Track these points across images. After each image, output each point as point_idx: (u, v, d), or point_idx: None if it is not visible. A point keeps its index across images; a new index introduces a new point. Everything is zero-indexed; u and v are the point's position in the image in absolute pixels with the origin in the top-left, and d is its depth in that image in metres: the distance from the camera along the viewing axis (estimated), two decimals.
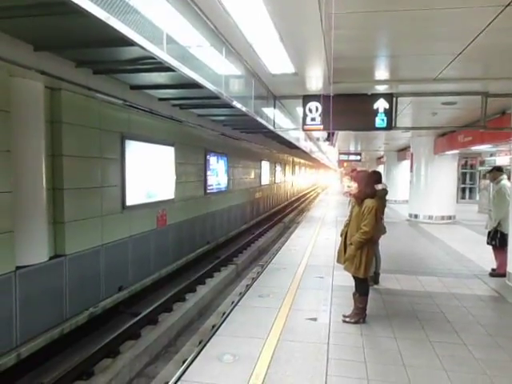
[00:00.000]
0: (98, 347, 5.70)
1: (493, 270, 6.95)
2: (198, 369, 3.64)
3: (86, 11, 2.34)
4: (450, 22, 4.01)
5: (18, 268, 5.42)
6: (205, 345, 4.16)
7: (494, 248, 6.82)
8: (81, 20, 3.35)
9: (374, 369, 3.65)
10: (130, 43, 2.95)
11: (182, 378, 3.48)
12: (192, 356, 4.01)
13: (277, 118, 8.33)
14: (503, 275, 6.60)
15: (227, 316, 4.97)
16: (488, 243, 6.85)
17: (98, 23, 2.53)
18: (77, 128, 6.54)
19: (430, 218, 13.63)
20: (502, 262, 6.70)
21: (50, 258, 6.02)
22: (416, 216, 14.06)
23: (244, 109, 6.08)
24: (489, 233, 6.82)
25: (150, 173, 8.97)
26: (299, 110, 7.72)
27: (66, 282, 6.32)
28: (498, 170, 7.06)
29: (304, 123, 7.02)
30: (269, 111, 7.83)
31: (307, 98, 6.94)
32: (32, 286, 5.66)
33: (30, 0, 3.97)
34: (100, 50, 5.63)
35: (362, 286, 4.73)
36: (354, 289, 4.81)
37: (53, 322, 6.00)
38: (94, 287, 7.07)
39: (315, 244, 9.57)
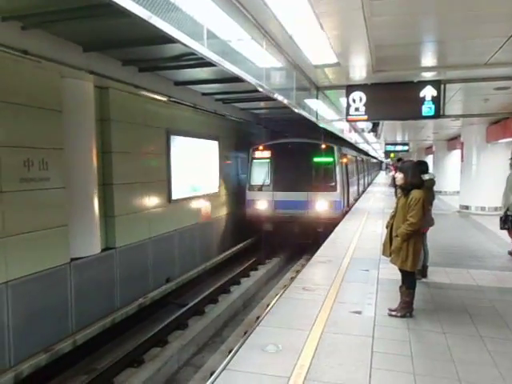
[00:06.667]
0: (147, 336, 5.93)
1: (510, 252, 7.27)
2: (243, 358, 3.69)
3: (129, 11, 2.42)
4: (499, 1, 3.80)
5: (72, 260, 5.72)
6: (249, 335, 4.21)
7: (510, 231, 7.21)
8: (125, 20, 3.46)
9: (420, 363, 3.56)
10: (172, 40, 3.02)
11: (228, 367, 3.55)
12: (237, 346, 4.08)
13: (320, 109, 8.24)
14: None
15: (271, 308, 5.01)
16: (501, 228, 7.19)
17: (140, 22, 2.61)
18: (124, 125, 6.77)
19: (483, 209, 13.03)
20: None
21: (102, 251, 6.30)
22: (467, 207, 13.49)
23: (286, 101, 6.06)
24: (500, 218, 7.18)
25: (194, 167, 9.14)
26: (343, 101, 7.60)
27: (116, 274, 6.60)
28: None
29: (348, 113, 6.91)
30: (312, 102, 7.75)
31: (351, 88, 6.82)
32: (85, 276, 5.95)
33: (77, 2, 4.15)
34: (144, 48, 5.80)
35: (409, 279, 4.61)
36: (400, 282, 4.71)
37: (105, 311, 6.28)
38: (143, 279, 7.33)
39: (361, 236, 9.41)
